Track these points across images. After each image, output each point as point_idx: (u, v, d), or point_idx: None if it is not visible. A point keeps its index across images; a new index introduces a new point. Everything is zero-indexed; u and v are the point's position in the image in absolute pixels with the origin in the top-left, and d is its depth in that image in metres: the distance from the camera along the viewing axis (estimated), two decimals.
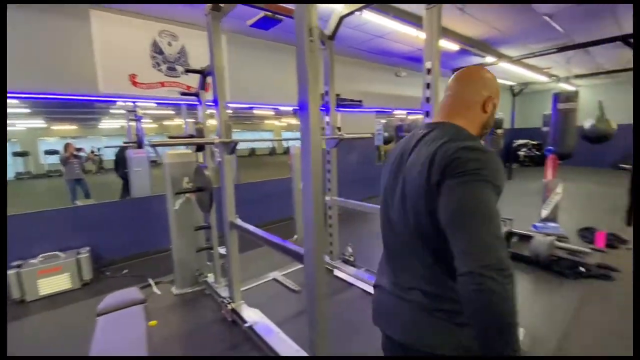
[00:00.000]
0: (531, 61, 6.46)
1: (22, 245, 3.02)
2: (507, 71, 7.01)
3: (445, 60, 6.09)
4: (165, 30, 3.75)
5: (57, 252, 3.07)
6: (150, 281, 3.10)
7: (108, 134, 11.16)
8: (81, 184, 4.98)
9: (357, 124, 6.26)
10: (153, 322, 2.05)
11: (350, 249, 3.33)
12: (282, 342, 2.05)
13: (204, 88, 2.67)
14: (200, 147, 2.63)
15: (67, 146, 4.90)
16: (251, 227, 2.18)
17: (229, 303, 2.43)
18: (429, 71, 2.19)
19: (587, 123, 5.93)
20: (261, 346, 2.09)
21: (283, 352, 1.94)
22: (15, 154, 10.90)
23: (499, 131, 7.14)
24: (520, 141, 11.04)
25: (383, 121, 7.64)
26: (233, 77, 4.43)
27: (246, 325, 2.23)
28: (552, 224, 4.17)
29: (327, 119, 3.13)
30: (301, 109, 1.49)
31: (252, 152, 14.53)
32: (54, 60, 3.15)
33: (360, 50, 5.42)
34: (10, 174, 3.70)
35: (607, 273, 2.95)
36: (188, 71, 2.43)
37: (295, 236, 3.85)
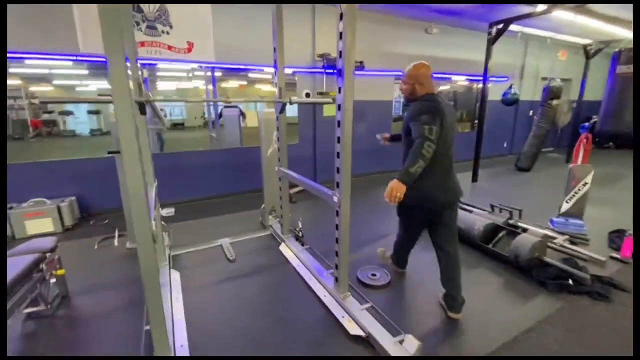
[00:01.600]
0: (611, 12, 4.93)
1: (20, 190, 3.48)
2: (574, 24, 5.49)
3: (483, 11, 5.00)
4: None
5: (44, 199, 3.47)
6: (116, 233, 3.34)
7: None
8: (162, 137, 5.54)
9: (370, 90, 5.66)
10: (61, 271, 2.20)
11: (300, 224, 3.12)
12: (166, 308, 2.03)
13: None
14: None
15: None
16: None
17: None
18: (341, 16, 1.73)
19: None
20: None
21: None
22: (90, 112, 12.68)
23: (555, 102, 5.82)
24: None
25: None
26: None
27: None
28: (575, 221, 3.34)
29: (275, 80, 2.82)
30: (107, 61, 1.28)
31: None
32: (35, 19, 3.35)
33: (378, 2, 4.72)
34: (86, 131, 4.56)
35: (607, 292, 2.26)
36: None
37: (263, 205, 3.76)
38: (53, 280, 2.19)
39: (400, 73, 6.17)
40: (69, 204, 3.54)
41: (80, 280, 2.49)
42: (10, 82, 3.54)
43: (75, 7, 3.40)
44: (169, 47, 3.95)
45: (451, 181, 1.97)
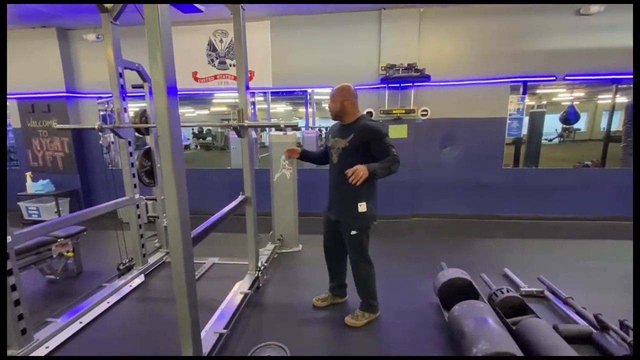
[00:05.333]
0: None
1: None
2: None
3: None
4: (218, 29, 4.37)
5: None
6: None
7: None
8: None
9: (473, 103, 4.25)
10: (70, 254, 2.91)
11: (264, 263, 2.72)
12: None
13: (145, 80, 3.08)
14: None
15: None
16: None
17: (122, 264, 2.91)
18: None
19: None
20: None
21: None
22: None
23: None
24: None
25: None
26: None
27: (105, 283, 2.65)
28: None
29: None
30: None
31: None
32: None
33: None
34: None
35: None
36: None
37: (271, 232, 3.56)
38: (69, 259, 2.96)
39: (519, 79, 4.24)
40: None
41: (98, 263, 3.21)
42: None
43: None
44: (234, 78, 4.48)
45: None
